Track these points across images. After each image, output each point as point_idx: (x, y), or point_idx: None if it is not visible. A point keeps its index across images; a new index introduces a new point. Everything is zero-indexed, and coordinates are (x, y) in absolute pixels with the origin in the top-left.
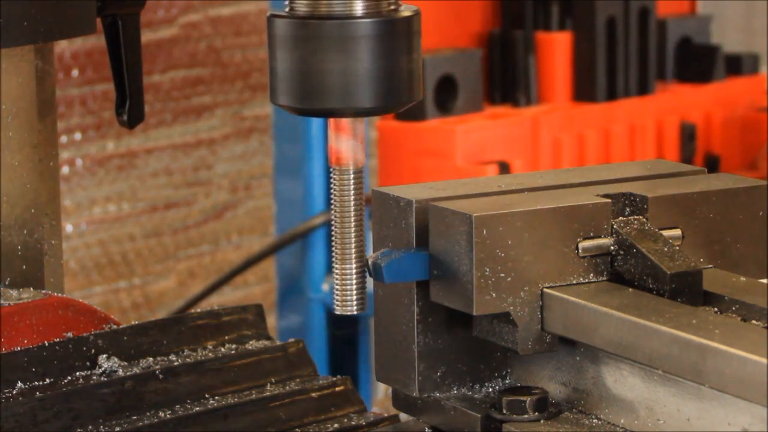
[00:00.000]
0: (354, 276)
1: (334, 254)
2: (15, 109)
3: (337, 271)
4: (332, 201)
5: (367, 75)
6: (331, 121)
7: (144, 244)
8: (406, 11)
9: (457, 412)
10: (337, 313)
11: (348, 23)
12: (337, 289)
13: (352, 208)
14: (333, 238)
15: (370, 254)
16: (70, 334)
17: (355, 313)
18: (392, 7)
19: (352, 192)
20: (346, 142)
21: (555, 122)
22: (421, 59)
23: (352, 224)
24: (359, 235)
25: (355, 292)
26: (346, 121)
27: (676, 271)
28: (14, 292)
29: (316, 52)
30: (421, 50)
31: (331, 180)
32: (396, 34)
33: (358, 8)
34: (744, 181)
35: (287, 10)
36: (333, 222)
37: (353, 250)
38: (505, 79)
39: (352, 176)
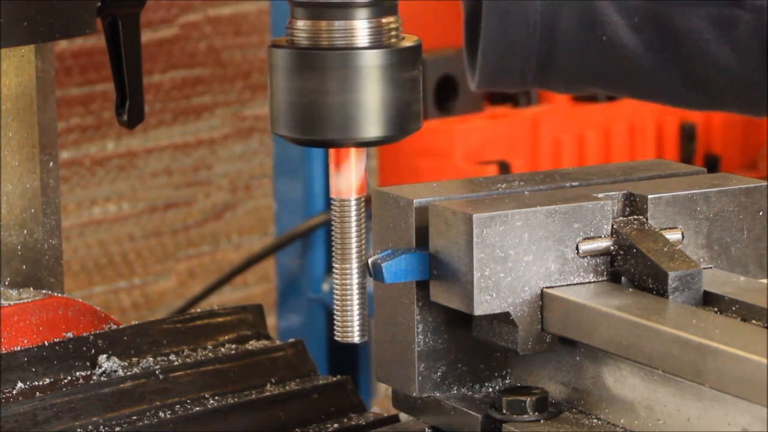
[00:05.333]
0: (355, 304)
1: (334, 282)
2: (15, 109)
3: (337, 298)
4: (333, 231)
5: (368, 106)
6: (332, 151)
7: (144, 244)
8: (407, 41)
9: (457, 412)
10: (338, 340)
11: (349, 54)
12: (337, 317)
13: (354, 238)
14: (334, 268)
15: (370, 254)
16: (70, 334)
17: (357, 341)
18: (393, 37)
19: (354, 222)
20: (347, 172)
21: (555, 122)
22: (421, 88)
23: (354, 253)
24: (361, 263)
25: (356, 319)
26: (346, 152)
27: (676, 271)
28: (14, 292)
29: (317, 83)
30: (422, 78)
31: (332, 211)
32: (397, 65)
33: (360, 39)
34: (744, 181)
35: (288, 38)
36: (334, 252)
37: (355, 278)
38: None
39: (353, 206)
